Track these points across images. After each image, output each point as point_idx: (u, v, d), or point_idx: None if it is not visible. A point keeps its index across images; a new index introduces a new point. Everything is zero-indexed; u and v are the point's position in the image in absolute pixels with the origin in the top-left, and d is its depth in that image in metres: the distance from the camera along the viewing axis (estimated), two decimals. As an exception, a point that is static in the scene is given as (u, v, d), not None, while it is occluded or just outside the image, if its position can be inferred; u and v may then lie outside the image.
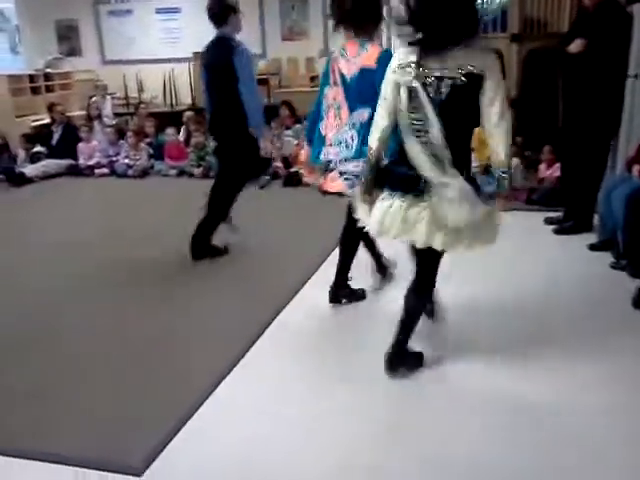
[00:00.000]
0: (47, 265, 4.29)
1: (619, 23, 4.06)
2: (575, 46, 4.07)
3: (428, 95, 2.41)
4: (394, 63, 2.53)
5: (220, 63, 3.96)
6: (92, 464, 2.20)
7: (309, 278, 3.82)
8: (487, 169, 5.58)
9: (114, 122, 8.30)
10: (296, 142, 6.90)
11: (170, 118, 8.05)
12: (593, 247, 4.07)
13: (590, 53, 4.01)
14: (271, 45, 9.21)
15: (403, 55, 2.49)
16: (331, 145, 3.10)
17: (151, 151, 7.32)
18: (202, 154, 6.89)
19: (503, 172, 2.49)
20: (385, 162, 2.68)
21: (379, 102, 2.61)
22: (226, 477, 2.14)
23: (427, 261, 2.66)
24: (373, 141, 2.63)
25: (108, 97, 8.76)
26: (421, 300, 2.76)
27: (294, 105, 7.81)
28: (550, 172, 5.32)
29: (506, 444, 2.23)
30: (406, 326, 2.72)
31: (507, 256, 4.03)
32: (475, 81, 2.37)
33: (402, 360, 2.74)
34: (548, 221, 4.62)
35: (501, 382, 2.62)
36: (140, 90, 9.40)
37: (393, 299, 3.44)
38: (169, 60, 9.27)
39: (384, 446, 2.26)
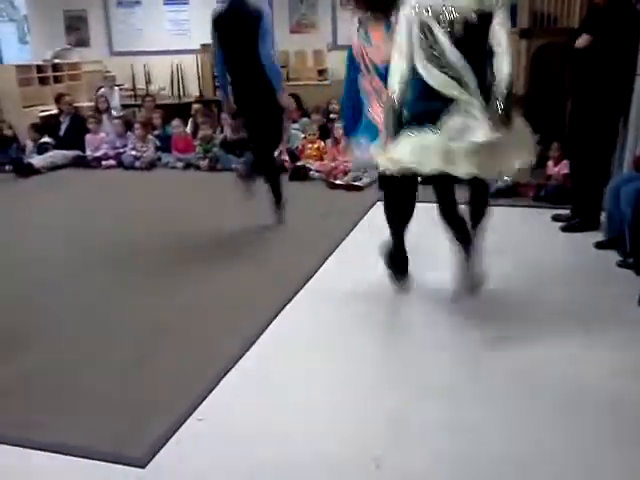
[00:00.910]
0: (56, 254, 4.30)
1: (629, 20, 4.03)
2: (582, 41, 4.04)
3: (443, 30, 2.60)
4: (407, 8, 2.67)
5: (246, 31, 4.01)
6: (94, 455, 2.20)
7: (320, 266, 3.87)
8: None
9: (121, 114, 8.30)
10: (303, 136, 6.89)
11: (177, 110, 8.04)
12: (599, 245, 4.05)
13: (598, 49, 3.99)
14: (279, 37, 9.15)
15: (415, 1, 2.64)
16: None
17: (158, 143, 7.31)
18: (209, 147, 6.88)
19: (499, 94, 2.59)
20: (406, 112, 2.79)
21: (394, 48, 2.75)
22: (232, 470, 2.14)
23: (479, 187, 2.82)
24: (394, 84, 2.75)
25: (116, 88, 8.75)
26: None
27: (301, 98, 7.79)
28: (558, 169, 5.30)
29: (516, 436, 2.24)
30: (471, 244, 2.94)
31: (513, 252, 4.03)
32: (486, 19, 2.58)
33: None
34: (556, 218, 4.61)
35: (505, 374, 2.62)
36: (148, 82, 9.39)
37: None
38: (177, 52, 9.26)
39: (392, 440, 2.25)
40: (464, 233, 2.96)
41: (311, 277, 3.71)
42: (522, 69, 6.38)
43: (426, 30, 2.61)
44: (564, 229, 4.41)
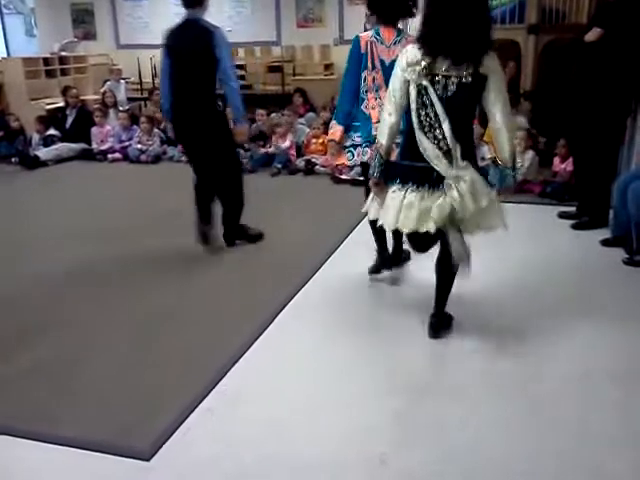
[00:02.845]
0: (57, 248, 4.30)
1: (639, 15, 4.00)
2: (592, 34, 4.03)
3: (436, 92, 2.54)
4: (403, 61, 2.61)
5: (197, 48, 3.77)
6: (99, 447, 2.21)
7: (325, 262, 3.88)
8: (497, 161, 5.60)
9: (127, 107, 8.31)
10: (308, 130, 6.88)
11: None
12: (606, 242, 4.04)
13: (608, 43, 3.97)
14: (285, 32, 9.17)
15: (412, 54, 2.58)
16: (378, 122, 3.16)
17: (164, 137, 7.31)
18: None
19: (507, 168, 2.69)
20: (395, 156, 2.79)
21: (387, 98, 2.71)
22: (237, 463, 2.15)
23: (425, 243, 2.80)
24: (382, 137, 2.72)
25: (122, 82, 8.76)
26: (452, 268, 2.82)
27: (308, 93, 7.79)
28: (564, 166, 5.28)
29: (513, 431, 2.23)
30: (444, 293, 2.90)
31: (518, 248, 4.02)
32: (480, 80, 2.53)
33: (443, 324, 2.93)
34: (562, 215, 4.59)
35: (508, 372, 2.62)
36: (154, 75, 9.39)
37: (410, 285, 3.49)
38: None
39: (397, 438, 2.26)
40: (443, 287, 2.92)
41: (315, 273, 3.70)
42: (530, 65, 6.36)
43: (422, 91, 2.56)
44: (575, 227, 4.39)
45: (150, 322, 3.15)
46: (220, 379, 2.62)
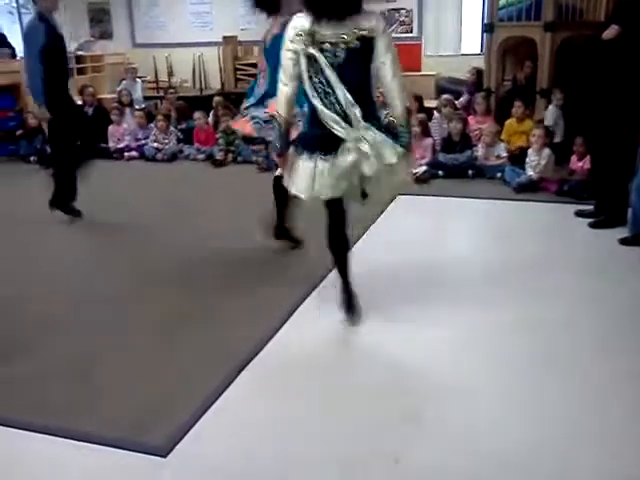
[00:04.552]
0: (72, 247, 4.36)
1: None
2: (609, 32, 3.99)
3: (326, 59, 2.62)
4: (291, 33, 2.68)
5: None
6: (116, 443, 2.23)
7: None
8: (515, 158, 5.55)
9: (143, 106, 8.35)
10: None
11: (199, 102, 8.07)
12: (624, 241, 4.00)
13: (626, 41, 3.93)
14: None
15: (299, 24, 2.65)
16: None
17: (180, 135, 7.35)
18: (231, 139, 6.89)
19: (401, 125, 2.72)
20: (300, 127, 2.92)
21: (280, 71, 2.78)
22: (251, 462, 2.16)
23: (340, 209, 2.90)
24: (280, 108, 2.80)
25: (138, 80, 8.81)
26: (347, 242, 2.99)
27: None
28: (581, 164, 5.24)
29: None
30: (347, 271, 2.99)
31: (535, 247, 4.01)
32: (367, 43, 2.62)
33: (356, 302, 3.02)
34: (579, 214, 4.56)
35: (518, 369, 2.61)
36: (170, 74, 9.43)
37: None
38: (199, 44, 9.28)
39: (410, 436, 2.26)
40: (344, 261, 3.00)
41: (325, 277, 3.66)
42: (546, 63, 6.30)
43: (312, 61, 2.63)
44: (592, 225, 4.35)
45: (167, 322, 3.17)
46: (235, 377, 2.63)
